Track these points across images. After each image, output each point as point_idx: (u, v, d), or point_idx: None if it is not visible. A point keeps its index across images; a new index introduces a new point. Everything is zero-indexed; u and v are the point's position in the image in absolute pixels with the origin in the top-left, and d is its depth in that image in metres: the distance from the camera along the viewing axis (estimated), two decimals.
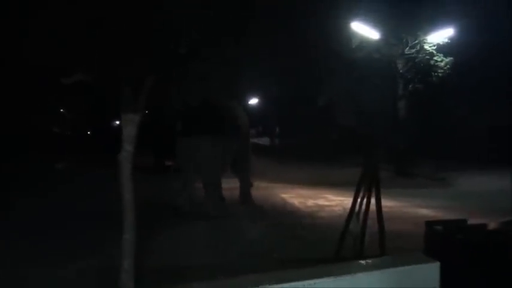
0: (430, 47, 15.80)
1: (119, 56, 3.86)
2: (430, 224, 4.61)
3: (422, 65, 15.85)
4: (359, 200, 6.08)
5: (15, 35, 4.25)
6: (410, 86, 16.18)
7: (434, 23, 15.51)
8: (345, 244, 4.94)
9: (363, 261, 1.11)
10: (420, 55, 15.86)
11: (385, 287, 1.04)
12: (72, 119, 27.77)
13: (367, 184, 5.93)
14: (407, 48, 15.96)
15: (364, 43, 15.42)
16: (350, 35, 14.77)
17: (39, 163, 14.21)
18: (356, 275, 1.03)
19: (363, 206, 6.13)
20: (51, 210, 7.85)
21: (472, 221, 5.01)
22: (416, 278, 1.05)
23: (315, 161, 17.83)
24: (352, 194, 5.29)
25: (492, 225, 5.68)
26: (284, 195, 11.06)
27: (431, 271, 1.03)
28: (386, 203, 7.83)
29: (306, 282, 1.05)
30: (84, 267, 5.15)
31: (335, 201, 9.59)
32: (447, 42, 15.64)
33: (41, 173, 12.44)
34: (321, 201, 10.09)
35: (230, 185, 9.76)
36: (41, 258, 5.30)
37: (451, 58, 15.58)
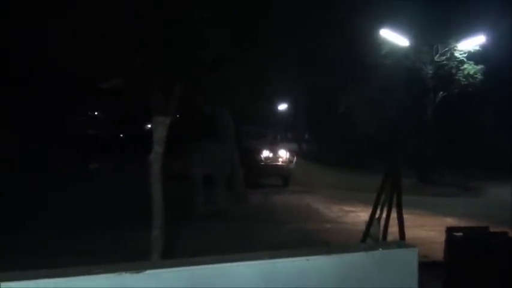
0: (460, 54, 15.61)
1: (151, 64, 4.11)
2: (450, 230, 4.68)
3: (452, 72, 15.65)
4: (380, 205, 6.18)
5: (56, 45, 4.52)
6: (440, 93, 15.99)
7: (465, 30, 15.32)
8: None
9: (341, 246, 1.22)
10: (450, 62, 15.68)
11: (363, 269, 1.15)
12: (105, 122, 28.44)
13: (389, 190, 6.02)
14: (438, 55, 15.81)
15: (394, 50, 15.38)
16: (379, 42, 14.78)
17: (75, 164, 14.72)
18: (330, 256, 1.13)
19: (384, 211, 6.22)
20: (82, 208, 8.16)
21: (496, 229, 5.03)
22: (395, 262, 1.14)
23: (339, 166, 17.81)
24: None
25: None
26: (308, 200, 11.19)
27: (409, 255, 1.12)
28: (412, 210, 7.87)
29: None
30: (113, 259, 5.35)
31: (360, 207, 9.62)
32: (478, 50, 15.43)
33: (76, 173, 12.92)
34: (347, 207, 10.14)
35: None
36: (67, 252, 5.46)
37: (482, 66, 15.36)
